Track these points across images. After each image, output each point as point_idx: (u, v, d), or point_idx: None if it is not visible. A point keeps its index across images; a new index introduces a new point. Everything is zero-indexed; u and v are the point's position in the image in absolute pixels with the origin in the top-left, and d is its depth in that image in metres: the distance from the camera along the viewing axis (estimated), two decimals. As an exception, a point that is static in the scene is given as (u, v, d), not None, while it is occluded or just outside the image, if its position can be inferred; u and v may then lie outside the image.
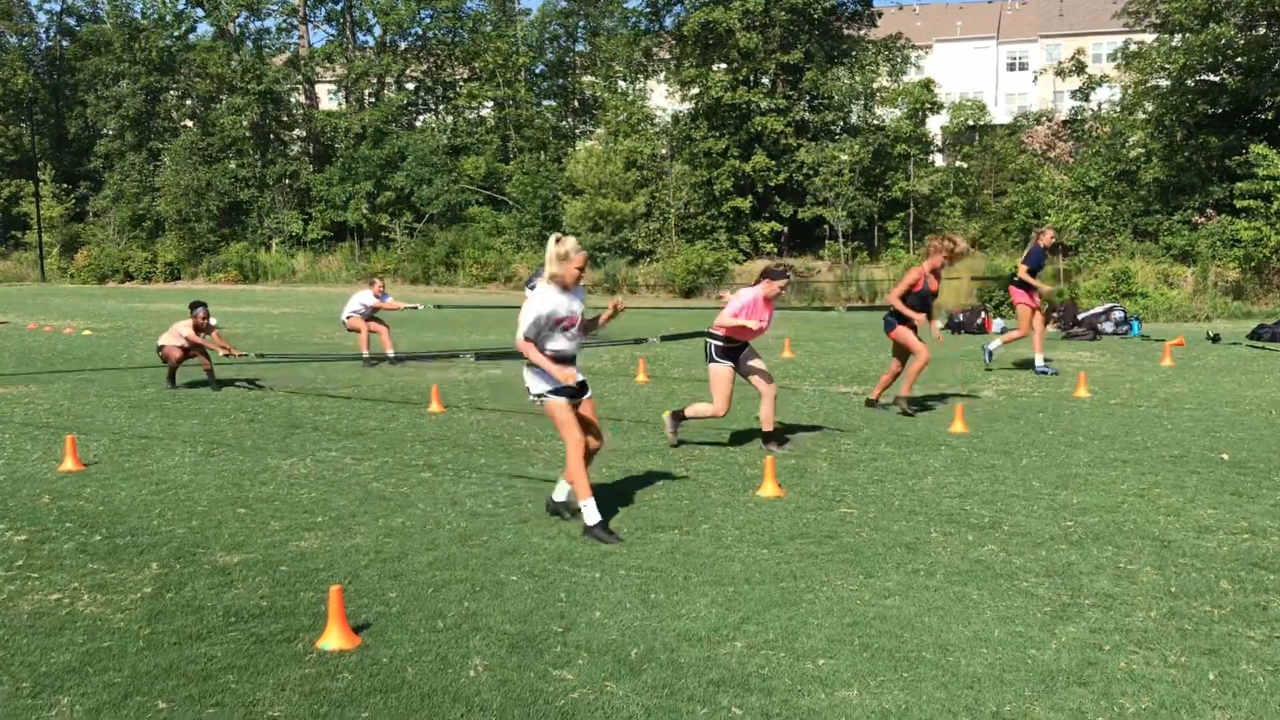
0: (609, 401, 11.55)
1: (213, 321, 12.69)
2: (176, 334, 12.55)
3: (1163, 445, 9.08)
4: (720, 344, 8.81)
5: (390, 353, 15.06)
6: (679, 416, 9.09)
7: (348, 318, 15.19)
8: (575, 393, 6.48)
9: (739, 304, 8.72)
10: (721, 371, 8.78)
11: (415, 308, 18.42)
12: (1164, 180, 29.29)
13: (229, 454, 8.84)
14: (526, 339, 6.31)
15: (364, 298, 15.25)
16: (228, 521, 6.76)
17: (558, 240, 6.36)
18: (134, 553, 6.11)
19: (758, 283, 8.91)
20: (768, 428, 8.93)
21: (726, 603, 5.26)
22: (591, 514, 6.35)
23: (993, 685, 4.31)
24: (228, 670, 4.49)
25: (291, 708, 4.15)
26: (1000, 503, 7.14)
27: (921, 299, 10.57)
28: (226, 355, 12.95)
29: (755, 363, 8.95)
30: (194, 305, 12.61)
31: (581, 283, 6.50)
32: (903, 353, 10.79)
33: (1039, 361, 13.79)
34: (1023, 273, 13.48)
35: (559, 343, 6.44)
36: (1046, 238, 13.71)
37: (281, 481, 7.84)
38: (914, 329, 10.58)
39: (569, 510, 6.74)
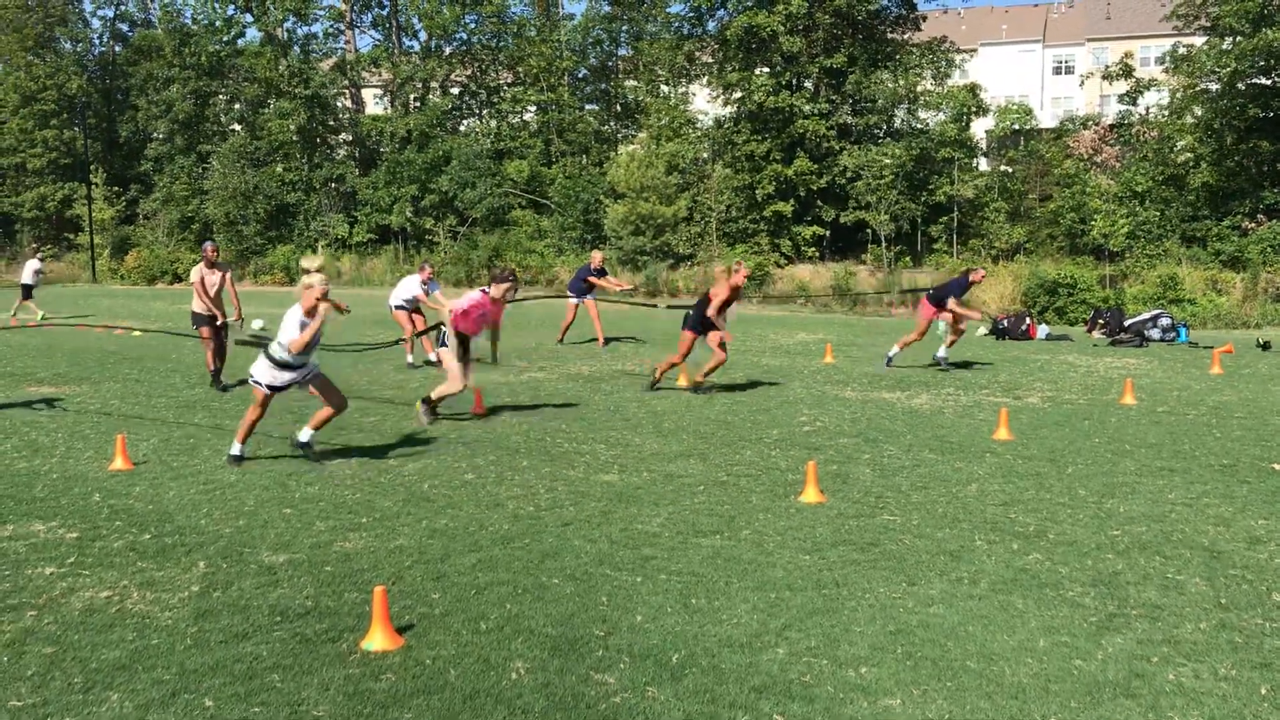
0: (649, 405, 11.56)
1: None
2: (197, 289, 12.73)
3: (1211, 454, 8.95)
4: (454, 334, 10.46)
5: (432, 356, 14.99)
6: (429, 402, 10.43)
7: (395, 308, 15.20)
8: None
9: (465, 302, 10.33)
10: (446, 354, 10.48)
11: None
12: (1213, 185, 28.83)
13: (275, 454, 8.93)
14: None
15: (412, 285, 15.20)
16: (274, 521, 6.84)
17: (304, 271, 8.44)
18: (182, 551, 6.20)
19: (489, 285, 10.52)
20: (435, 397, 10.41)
21: (768, 609, 5.24)
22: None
23: (1038, 696, 4.27)
24: (273, 669, 4.54)
25: (335, 708, 4.20)
26: (1045, 511, 7.07)
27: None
28: (237, 320, 13.34)
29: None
30: (203, 240, 12.89)
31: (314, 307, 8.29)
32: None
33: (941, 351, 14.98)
34: (952, 304, 14.36)
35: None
36: (977, 276, 14.83)
37: (326, 482, 7.92)
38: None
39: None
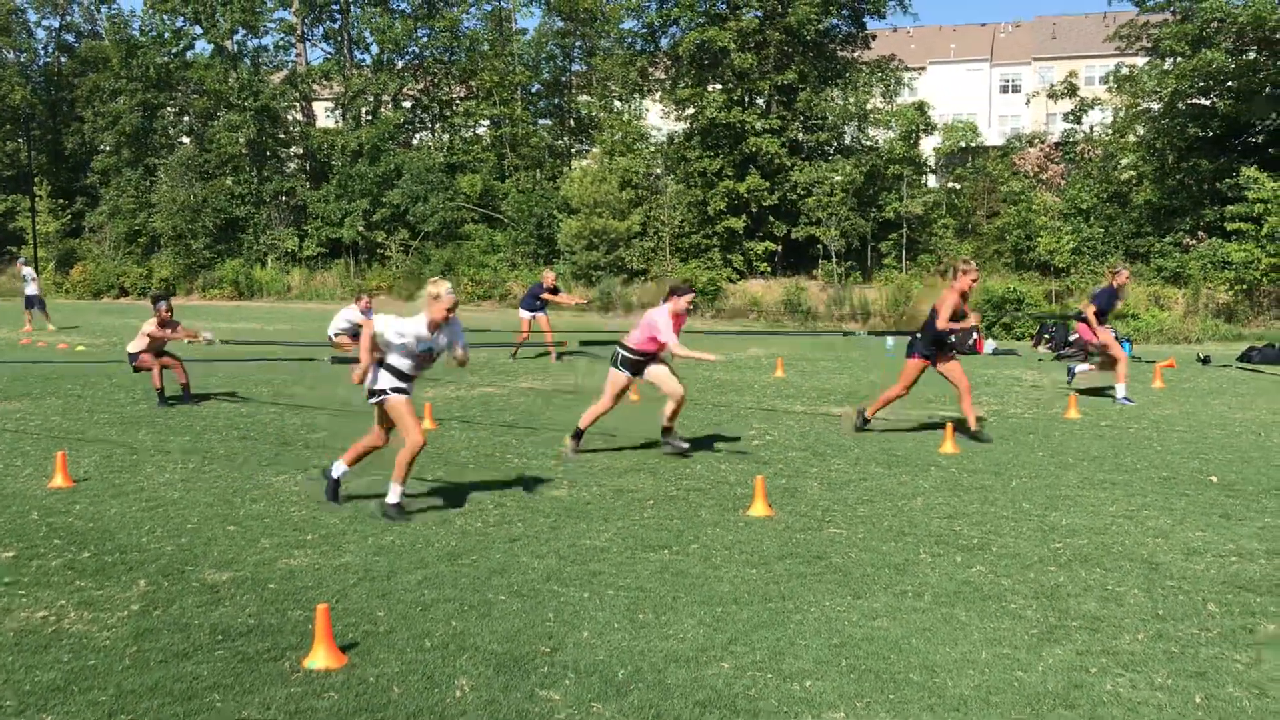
0: (601, 420, 11.53)
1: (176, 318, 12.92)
2: (143, 336, 12.59)
3: (1152, 467, 9.11)
4: (628, 355, 9.51)
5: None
6: (579, 434, 9.66)
7: (335, 334, 15.15)
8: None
9: (664, 323, 9.24)
10: (619, 378, 9.55)
11: None
12: (1155, 203, 29.43)
13: (220, 470, 8.83)
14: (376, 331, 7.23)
15: (350, 314, 15.23)
16: (217, 539, 6.75)
17: (433, 282, 7.31)
18: (122, 570, 6.10)
19: (666, 300, 9.45)
20: (584, 425, 9.65)
21: (714, 623, 5.26)
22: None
23: (979, 707, 4.32)
24: (214, 689, 4.48)
25: (277, 727, 4.15)
26: (989, 524, 7.16)
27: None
28: (191, 342, 13.20)
29: (659, 368, 9.54)
30: (156, 299, 12.71)
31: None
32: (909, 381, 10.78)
33: (1120, 392, 13.29)
34: (1089, 313, 13.55)
35: (405, 364, 7.31)
36: (1121, 278, 13.83)
37: (272, 499, 7.84)
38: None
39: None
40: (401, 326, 7.19)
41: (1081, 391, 13.76)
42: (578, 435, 9.63)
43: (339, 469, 7.69)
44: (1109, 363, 13.50)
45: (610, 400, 9.56)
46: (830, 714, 4.26)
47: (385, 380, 7.27)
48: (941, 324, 10.38)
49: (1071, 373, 14.35)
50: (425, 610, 5.43)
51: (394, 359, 7.28)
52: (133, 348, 12.78)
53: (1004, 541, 6.72)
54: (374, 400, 7.36)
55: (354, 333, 15.05)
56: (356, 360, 7.57)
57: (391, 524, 7.09)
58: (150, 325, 12.58)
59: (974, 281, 10.61)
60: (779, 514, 7.39)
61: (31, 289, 25.06)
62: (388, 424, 7.47)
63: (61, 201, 46.59)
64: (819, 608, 5.48)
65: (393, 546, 6.58)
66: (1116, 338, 14.01)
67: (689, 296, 9.45)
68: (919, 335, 10.78)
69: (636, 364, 9.51)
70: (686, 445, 9.54)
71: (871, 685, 4.53)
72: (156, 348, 12.69)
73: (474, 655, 4.84)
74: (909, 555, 6.40)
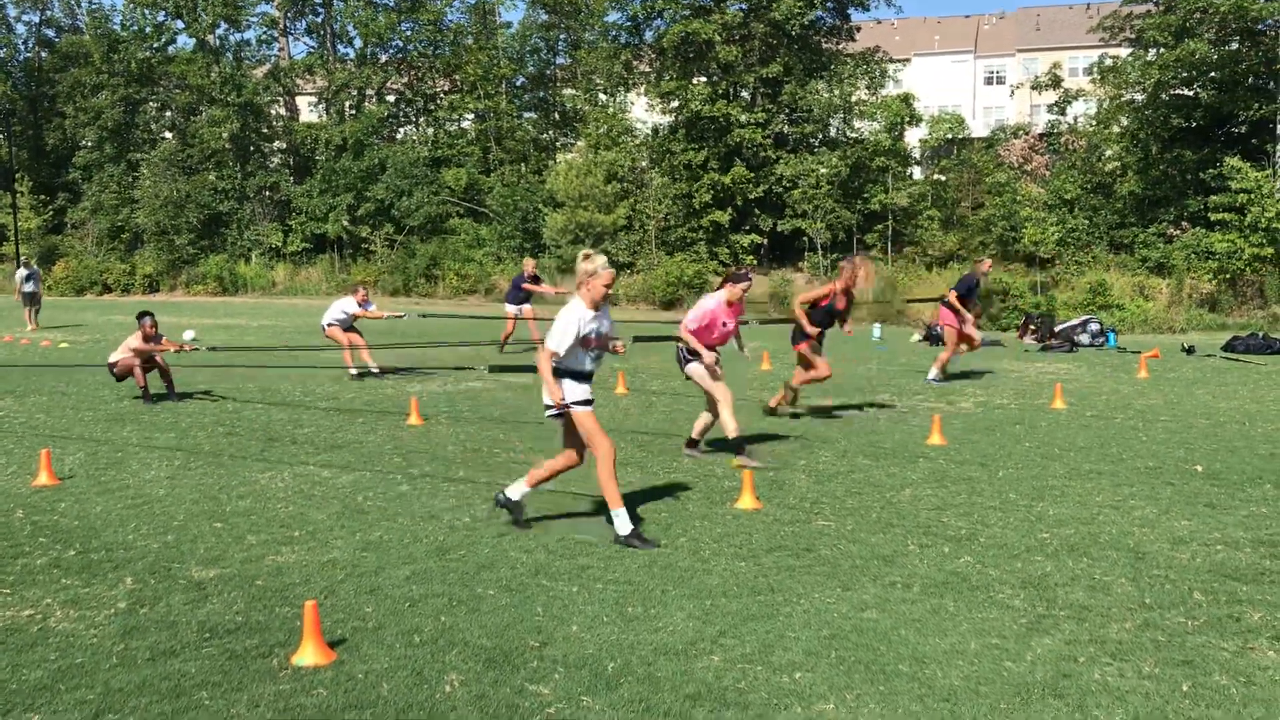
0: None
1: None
2: (126, 348, 12.48)
3: (1138, 457, 9.15)
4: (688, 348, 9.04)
5: (373, 366, 14.88)
6: (694, 443, 9.31)
7: (328, 325, 15.03)
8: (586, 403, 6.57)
9: (699, 312, 9.02)
10: (698, 369, 8.99)
11: (400, 316, 18.28)
12: (1139, 193, 29.56)
13: (206, 467, 8.79)
14: (552, 351, 6.41)
15: (346, 305, 15.07)
16: (204, 536, 6.72)
17: (586, 257, 6.48)
18: (108, 568, 6.06)
19: (720, 288, 9.15)
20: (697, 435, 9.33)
21: (704, 616, 5.26)
22: (623, 522, 6.53)
23: (969, 698, 4.33)
24: (201, 687, 4.46)
25: (266, 724, 4.13)
26: (977, 515, 7.17)
27: (827, 314, 10.85)
28: (179, 352, 13.08)
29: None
30: (141, 315, 12.61)
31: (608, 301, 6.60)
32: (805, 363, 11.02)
33: (933, 372, 14.34)
34: (952, 298, 14.21)
35: (583, 361, 6.56)
36: (984, 266, 14.74)
37: (258, 495, 7.81)
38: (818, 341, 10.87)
39: (519, 511, 6.91)
40: (572, 320, 6.39)
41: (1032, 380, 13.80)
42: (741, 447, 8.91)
43: (518, 490, 6.88)
44: (953, 343, 14.36)
45: (726, 395, 8.93)
46: (820, 705, 4.27)
47: (570, 390, 6.51)
48: (800, 317, 10.72)
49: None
50: (414, 606, 5.41)
51: (572, 361, 6.51)
52: (113, 358, 12.65)
53: (992, 532, 6.74)
54: (555, 414, 6.62)
55: (347, 324, 14.94)
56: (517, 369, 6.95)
57: (389, 510, 7.07)
58: (134, 340, 12.46)
59: (852, 279, 10.87)
60: (767, 506, 7.40)
61: (30, 286, 24.67)
62: (576, 441, 6.72)
63: (43, 198, 46.28)
64: (808, 600, 5.49)
65: (380, 543, 6.56)
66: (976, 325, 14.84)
67: (746, 284, 9.13)
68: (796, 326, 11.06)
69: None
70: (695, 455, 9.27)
71: (861, 677, 4.54)
72: (142, 360, 12.51)
73: (463, 650, 4.83)
74: (897, 547, 6.41)
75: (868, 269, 11.22)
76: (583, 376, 6.56)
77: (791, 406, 11.37)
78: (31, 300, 24.67)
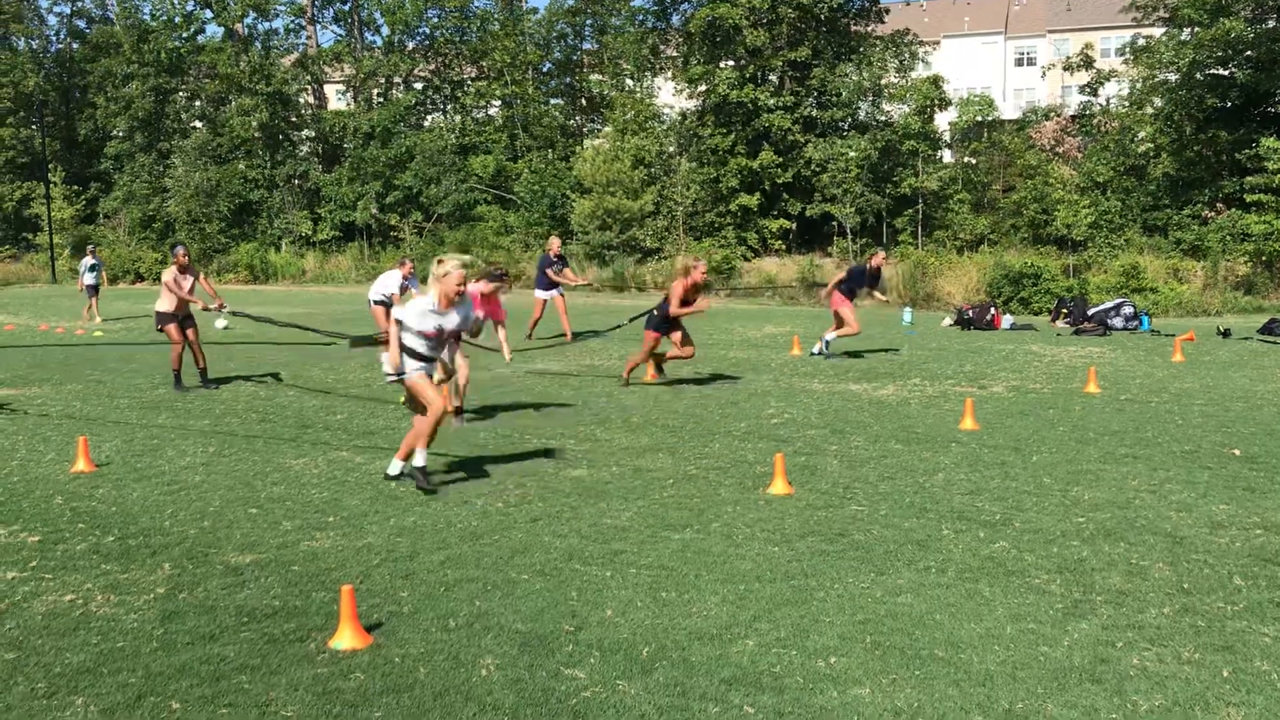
0: (618, 400, 11.57)
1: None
2: (166, 291, 12.48)
3: (1174, 441, 9.06)
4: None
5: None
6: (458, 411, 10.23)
7: (374, 303, 15.02)
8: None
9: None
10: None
11: None
12: (1173, 175, 29.19)
13: (240, 453, 8.86)
14: (398, 320, 7.39)
15: (391, 281, 15.02)
16: (239, 521, 6.79)
17: (439, 261, 7.47)
18: (146, 553, 6.13)
19: (478, 281, 10.07)
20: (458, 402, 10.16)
21: (738, 601, 5.26)
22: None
23: (1005, 683, 4.31)
24: (240, 670, 4.51)
25: (304, 708, 4.17)
26: (1011, 499, 7.13)
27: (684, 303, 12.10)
28: (216, 307, 13.20)
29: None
30: (174, 245, 12.71)
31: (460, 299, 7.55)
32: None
33: (816, 346, 15.42)
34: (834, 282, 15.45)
35: (421, 346, 7.48)
36: (877, 259, 15.67)
37: (293, 481, 7.87)
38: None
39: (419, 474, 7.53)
40: (419, 308, 7.40)
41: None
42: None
43: (419, 458, 7.54)
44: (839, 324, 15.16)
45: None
46: (855, 690, 4.26)
47: (407, 364, 7.44)
48: (674, 310, 12.05)
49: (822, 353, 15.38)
50: (449, 590, 5.44)
51: (410, 340, 7.44)
52: (160, 306, 12.70)
53: (1026, 517, 6.70)
54: (393, 380, 7.54)
55: (389, 304, 14.93)
56: (375, 342, 7.70)
57: (417, 500, 7.11)
58: (170, 273, 12.51)
59: (704, 276, 12.22)
60: (799, 492, 7.38)
61: (90, 278, 24.06)
62: (419, 405, 7.56)
63: (76, 188, 46.70)
64: (842, 584, 5.47)
65: (415, 527, 6.60)
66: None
67: (497, 285, 10.28)
68: (654, 313, 12.44)
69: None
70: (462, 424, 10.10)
71: (896, 661, 4.52)
72: (181, 307, 12.52)
73: (498, 635, 4.86)
74: (931, 531, 6.39)
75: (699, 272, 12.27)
76: (420, 357, 7.45)
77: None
78: (94, 292, 24.09)
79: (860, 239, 33.31)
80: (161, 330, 12.73)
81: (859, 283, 15.45)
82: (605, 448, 9.00)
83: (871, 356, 15.43)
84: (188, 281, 12.64)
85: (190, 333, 12.68)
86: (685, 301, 12.15)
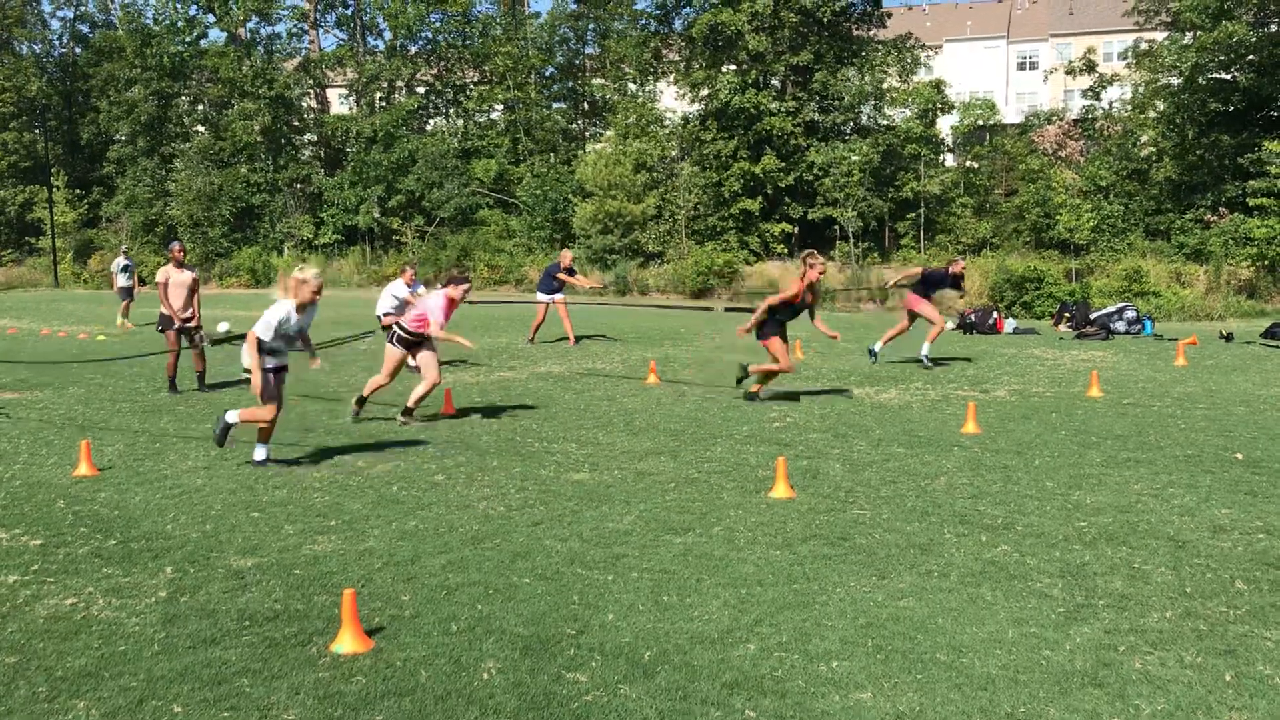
0: (620, 404, 11.57)
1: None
2: (162, 290, 12.54)
3: (1176, 445, 9.05)
4: (405, 335, 10.38)
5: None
6: (361, 400, 10.66)
7: (384, 315, 15.02)
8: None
9: (436, 307, 10.15)
10: (395, 353, 10.44)
11: None
12: (1176, 179, 29.18)
13: (242, 458, 8.86)
14: (257, 338, 8.14)
15: (396, 289, 15.03)
16: (241, 525, 6.79)
17: (300, 268, 8.35)
18: (148, 557, 6.13)
19: (445, 286, 10.36)
20: (411, 404, 10.41)
21: (739, 605, 5.25)
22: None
23: (1007, 687, 4.30)
24: (242, 674, 4.50)
25: (306, 711, 4.17)
26: (1013, 503, 7.12)
27: (794, 310, 11.40)
28: (205, 336, 13.41)
29: (427, 353, 10.46)
30: (170, 240, 12.76)
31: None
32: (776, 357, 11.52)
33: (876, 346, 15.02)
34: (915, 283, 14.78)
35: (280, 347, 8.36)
36: (958, 266, 15.03)
37: (294, 485, 7.87)
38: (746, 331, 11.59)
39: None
40: (276, 316, 8.16)
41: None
42: (361, 402, 10.68)
43: (260, 452, 8.62)
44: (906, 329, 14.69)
45: (388, 375, 10.55)
46: (857, 694, 4.26)
47: (266, 362, 8.29)
48: (766, 305, 11.39)
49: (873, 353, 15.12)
50: (450, 594, 5.44)
51: (274, 344, 8.30)
52: (164, 308, 12.75)
53: (1028, 521, 6.69)
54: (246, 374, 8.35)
55: (402, 312, 14.90)
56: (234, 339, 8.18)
57: (424, 500, 7.12)
58: (165, 271, 12.58)
59: (821, 273, 11.36)
60: (801, 496, 7.38)
61: (123, 280, 23.44)
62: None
63: (78, 191, 46.77)
64: (844, 588, 5.47)
65: (416, 531, 6.60)
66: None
67: (465, 286, 10.39)
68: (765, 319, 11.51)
69: (410, 343, 10.40)
70: (409, 424, 10.32)
71: (898, 665, 4.52)
72: (183, 299, 12.54)
73: (500, 638, 4.85)
74: (933, 535, 6.38)
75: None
76: (274, 354, 8.30)
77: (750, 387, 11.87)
78: (127, 294, 23.42)
79: (862, 243, 33.31)
80: (162, 332, 12.77)
81: (937, 285, 14.79)
82: (607, 451, 9.00)
83: (878, 360, 15.41)
84: (182, 276, 12.66)
85: (183, 328, 12.70)
86: (790, 304, 11.23)
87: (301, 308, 8.33)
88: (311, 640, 4.86)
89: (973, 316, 20.83)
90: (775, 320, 11.44)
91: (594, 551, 6.13)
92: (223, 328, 20.46)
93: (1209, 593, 5.35)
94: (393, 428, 10.23)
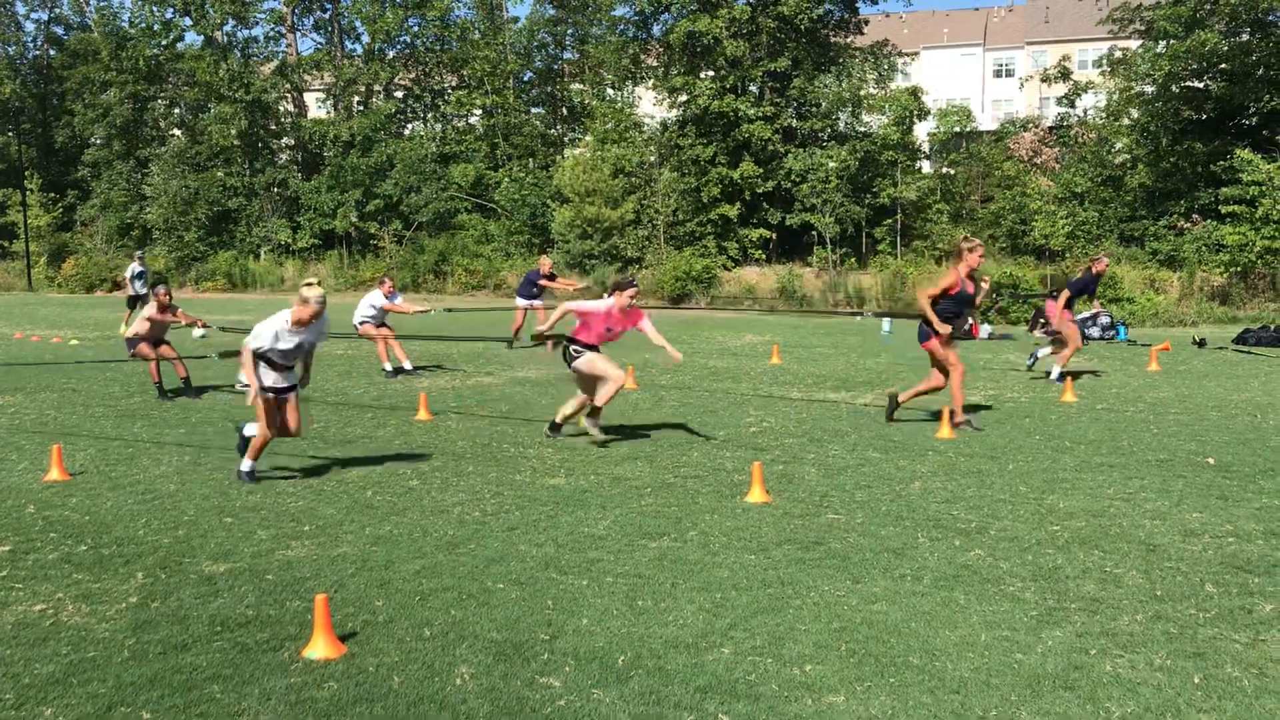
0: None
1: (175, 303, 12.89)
2: (142, 321, 12.51)
3: (1149, 449, 9.12)
4: (581, 348, 9.54)
5: (406, 364, 14.67)
6: (595, 410, 9.62)
7: (360, 324, 14.96)
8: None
9: (589, 307, 9.52)
10: (589, 363, 9.49)
11: (427, 311, 17.99)
12: (1150, 186, 29.44)
13: (216, 463, 8.80)
14: (253, 349, 7.91)
15: (374, 299, 14.97)
16: (214, 531, 6.74)
17: (308, 285, 7.97)
18: (119, 562, 6.08)
19: (610, 294, 9.57)
20: (601, 403, 9.56)
21: (714, 609, 5.26)
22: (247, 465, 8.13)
23: (979, 690, 4.32)
24: (213, 680, 4.47)
25: (277, 717, 4.14)
26: (987, 507, 7.16)
27: (958, 303, 10.08)
28: (190, 325, 13.36)
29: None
30: (155, 284, 12.80)
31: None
32: (940, 366, 10.20)
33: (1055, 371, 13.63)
34: (1063, 298, 13.61)
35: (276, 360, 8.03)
36: (1100, 265, 13.98)
37: (268, 490, 7.82)
38: (944, 339, 10.01)
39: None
40: (272, 327, 7.88)
41: (1074, 374, 13.77)
42: (595, 412, 9.59)
43: (245, 463, 8.19)
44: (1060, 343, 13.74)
45: (598, 386, 9.53)
46: (830, 698, 4.26)
47: (264, 377, 8.00)
48: (924, 307, 10.11)
49: (1034, 358, 14.51)
50: (424, 599, 5.42)
51: (272, 356, 7.99)
52: (131, 333, 12.71)
53: (1002, 525, 6.73)
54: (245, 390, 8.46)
55: (379, 320, 14.87)
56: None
57: (399, 505, 7.09)
58: (150, 309, 12.51)
59: (982, 259, 10.28)
60: (777, 500, 7.39)
61: (138, 287, 22.07)
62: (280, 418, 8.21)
63: (53, 195, 46.40)
64: (818, 592, 5.48)
65: (390, 536, 6.57)
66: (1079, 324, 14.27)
67: (632, 290, 9.50)
68: (921, 324, 10.28)
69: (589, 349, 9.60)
70: (596, 434, 9.55)
71: (871, 669, 4.53)
72: (156, 335, 12.56)
73: (473, 644, 4.84)
74: (907, 539, 6.40)
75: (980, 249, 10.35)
76: (278, 368, 8.03)
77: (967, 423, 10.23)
78: (134, 303, 21.92)
79: (840, 248, 33.42)
80: (134, 356, 12.68)
81: (1085, 291, 13.99)
82: (583, 456, 9.00)
83: (849, 365, 15.46)
84: (165, 317, 12.57)
85: (165, 349, 12.62)
86: (950, 296, 9.95)
87: (298, 325, 7.94)
88: (283, 646, 4.83)
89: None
90: (945, 317, 10.00)
91: (569, 556, 6.12)
92: (198, 334, 20.33)
93: (1179, 596, 5.39)
94: (367, 430, 10.18)
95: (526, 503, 7.38)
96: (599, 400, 9.45)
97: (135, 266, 23.08)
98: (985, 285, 10.50)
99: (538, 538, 6.51)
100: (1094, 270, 13.94)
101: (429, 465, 8.64)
